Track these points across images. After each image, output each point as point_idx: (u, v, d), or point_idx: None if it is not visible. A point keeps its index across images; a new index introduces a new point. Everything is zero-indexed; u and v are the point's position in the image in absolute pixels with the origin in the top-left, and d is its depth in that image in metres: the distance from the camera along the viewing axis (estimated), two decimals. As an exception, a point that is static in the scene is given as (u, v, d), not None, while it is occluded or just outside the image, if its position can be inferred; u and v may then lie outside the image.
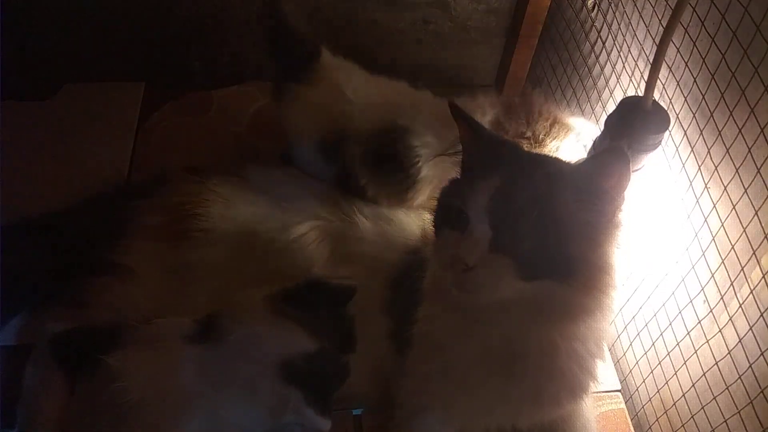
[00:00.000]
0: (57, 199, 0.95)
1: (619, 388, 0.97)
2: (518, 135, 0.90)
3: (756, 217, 0.72)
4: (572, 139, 0.92)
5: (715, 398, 0.79)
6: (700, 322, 0.81)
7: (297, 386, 0.69)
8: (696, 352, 0.82)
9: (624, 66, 0.99)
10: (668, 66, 0.86)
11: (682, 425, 0.85)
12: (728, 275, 0.76)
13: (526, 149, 0.73)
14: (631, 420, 0.93)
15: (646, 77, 0.80)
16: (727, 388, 0.77)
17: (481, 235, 0.62)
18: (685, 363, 0.84)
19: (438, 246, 0.70)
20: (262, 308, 0.74)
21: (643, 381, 0.93)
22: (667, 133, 0.81)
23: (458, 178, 0.72)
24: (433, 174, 0.93)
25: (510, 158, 0.67)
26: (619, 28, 1.00)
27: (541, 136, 0.91)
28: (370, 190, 0.94)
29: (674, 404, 0.87)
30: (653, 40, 0.90)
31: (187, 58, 1.29)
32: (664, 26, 0.76)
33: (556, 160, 0.71)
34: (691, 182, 0.82)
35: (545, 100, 0.97)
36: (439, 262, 0.69)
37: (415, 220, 0.91)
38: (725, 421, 0.77)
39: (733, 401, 0.76)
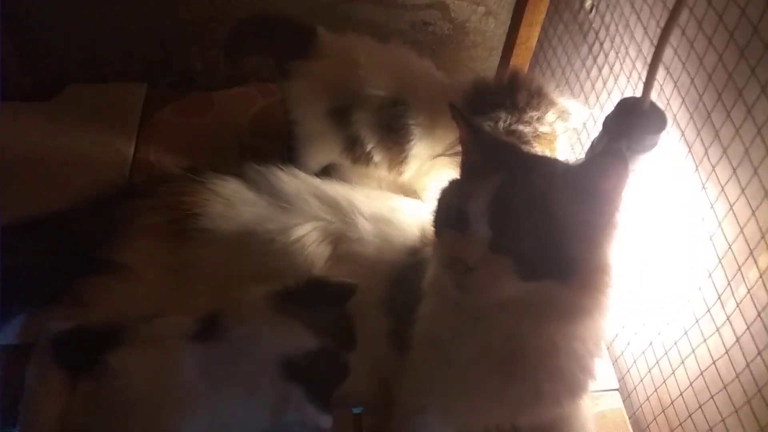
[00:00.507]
0: (58, 199, 0.95)
1: (617, 386, 0.97)
2: (496, 104, 0.90)
3: (753, 216, 0.72)
4: (554, 115, 0.92)
5: (712, 397, 0.79)
6: (697, 321, 0.81)
7: (298, 384, 0.69)
8: (694, 351, 0.82)
9: (622, 67, 0.99)
10: (666, 67, 0.86)
11: (680, 424, 0.85)
12: (725, 275, 0.76)
13: (525, 149, 0.74)
14: (629, 419, 0.94)
15: (643, 78, 0.80)
16: (724, 387, 0.77)
17: (481, 235, 0.62)
18: (683, 362, 0.84)
19: (438, 246, 0.71)
20: (263, 306, 0.74)
21: (641, 380, 0.93)
22: (664, 133, 0.82)
23: (458, 179, 0.72)
24: (422, 153, 0.97)
25: (510, 159, 0.67)
26: (617, 29, 1.01)
27: (521, 105, 0.90)
28: (375, 155, 0.98)
29: (672, 403, 0.87)
30: (651, 41, 0.91)
31: (189, 60, 1.30)
32: (662, 27, 0.76)
33: (556, 161, 0.72)
34: (688, 182, 0.82)
35: (537, 76, 0.98)
36: (440, 262, 0.70)
37: (414, 220, 0.92)
38: (723, 420, 0.78)
39: (731, 400, 0.76)
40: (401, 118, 0.95)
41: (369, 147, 0.98)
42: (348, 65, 0.97)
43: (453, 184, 0.72)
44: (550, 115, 0.91)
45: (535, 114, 0.89)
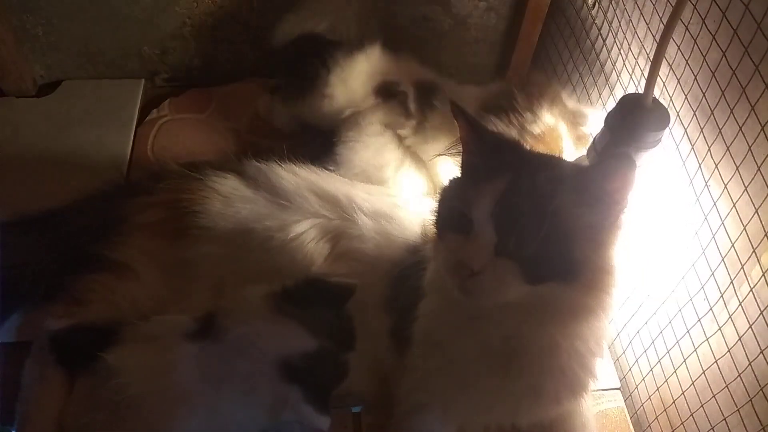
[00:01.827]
0: (56, 196, 0.95)
1: (618, 386, 0.97)
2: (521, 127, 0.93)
3: (756, 215, 0.72)
4: (567, 127, 0.95)
5: (714, 396, 0.79)
6: (699, 320, 0.81)
7: (296, 384, 0.69)
8: (696, 350, 0.82)
9: (624, 63, 0.99)
10: (668, 63, 0.85)
11: (682, 423, 0.85)
12: (728, 273, 0.76)
13: (529, 148, 0.72)
14: (631, 418, 0.94)
15: (646, 75, 0.79)
16: (726, 387, 0.77)
17: (487, 239, 0.61)
18: (684, 361, 0.84)
19: (441, 249, 0.69)
20: (261, 306, 0.74)
21: (643, 379, 0.93)
22: (667, 130, 0.81)
23: (458, 179, 0.71)
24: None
25: (514, 159, 0.66)
26: (620, 25, 1.00)
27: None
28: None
29: (674, 402, 0.87)
30: (654, 37, 0.90)
31: (187, 56, 1.29)
32: (665, 23, 0.76)
33: (561, 161, 0.70)
34: (691, 180, 0.82)
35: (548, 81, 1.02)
36: (444, 266, 0.67)
37: (416, 217, 0.91)
38: (725, 419, 0.77)
39: (733, 399, 0.76)
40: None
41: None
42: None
43: (454, 184, 0.70)
44: (565, 124, 0.94)
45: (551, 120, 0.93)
